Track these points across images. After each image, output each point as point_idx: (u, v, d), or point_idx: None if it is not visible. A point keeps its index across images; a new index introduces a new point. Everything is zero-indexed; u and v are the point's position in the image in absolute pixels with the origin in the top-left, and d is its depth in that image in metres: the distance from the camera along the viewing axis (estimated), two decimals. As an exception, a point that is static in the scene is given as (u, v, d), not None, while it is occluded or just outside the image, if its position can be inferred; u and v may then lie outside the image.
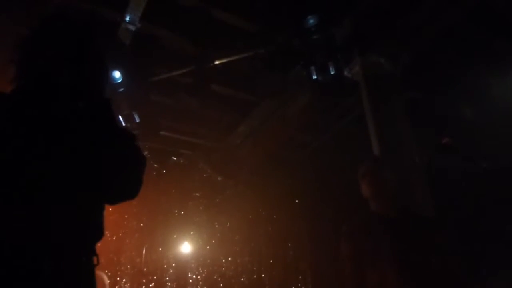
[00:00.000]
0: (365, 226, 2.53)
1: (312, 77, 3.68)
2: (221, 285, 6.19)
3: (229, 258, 6.32)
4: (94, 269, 1.31)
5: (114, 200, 1.41)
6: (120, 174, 1.30)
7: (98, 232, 1.34)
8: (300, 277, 5.79)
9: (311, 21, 3.58)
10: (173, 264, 6.18)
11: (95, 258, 1.31)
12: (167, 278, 6.04)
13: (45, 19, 1.41)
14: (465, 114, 4.78)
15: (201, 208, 6.57)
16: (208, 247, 6.41)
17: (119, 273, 5.60)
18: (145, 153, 1.33)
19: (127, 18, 3.71)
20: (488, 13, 3.79)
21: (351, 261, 2.47)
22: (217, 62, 4.15)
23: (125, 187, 1.36)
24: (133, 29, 3.79)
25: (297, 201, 5.91)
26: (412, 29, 3.84)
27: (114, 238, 5.57)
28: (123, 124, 3.99)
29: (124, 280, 5.63)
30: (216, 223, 6.51)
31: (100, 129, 1.30)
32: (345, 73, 4.07)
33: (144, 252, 5.90)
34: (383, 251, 2.36)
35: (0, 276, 1.09)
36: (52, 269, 1.15)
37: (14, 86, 1.36)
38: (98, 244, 1.34)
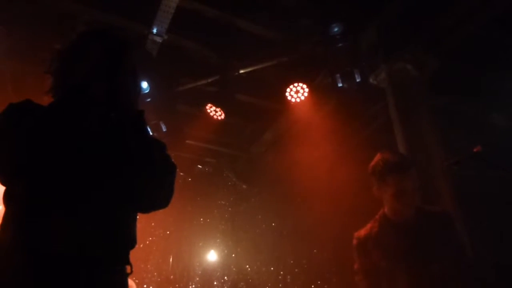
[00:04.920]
0: (376, 238, 2.36)
1: (337, 85, 3.66)
2: (247, 293, 6.18)
3: (254, 267, 6.30)
4: (127, 278, 1.33)
5: (147, 208, 1.43)
6: (153, 183, 1.33)
7: (131, 241, 1.36)
8: (326, 286, 5.72)
9: (336, 29, 3.58)
10: (199, 272, 6.21)
11: (128, 267, 1.33)
12: (193, 286, 6.08)
13: (81, 33, 1.47)
14: (496, 120, 4.65)
15: (226, 216, 6.60)
16: (233, 255, 6.41)
17: (146, 280, 5.66)
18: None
19: (154, 30, 3.80)
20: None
21: (367, 277, 2.36)
22: (241, 71, 4.19)
23: (158, 196, 1.38)
24: (160, 41, 3.88)
25: (322, 209, 5.85)
26: (439, 34, 3.78)
27: (141, 246, 5.65)
28: (151, 134, 4.06)
29: (151, 287, 5.69)
30: (241, 231, 6.51)
31: (133, 139, 1.33)
32: (371, 80, 4.03)
33: (171, 260, 5.95)
34: (399, 268, 2.25)
35: (39, 284, 1.13)
36: (87, 277, 1.18)
37: (51, 96, 1.41)
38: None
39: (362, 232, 2.46)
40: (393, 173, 2.27)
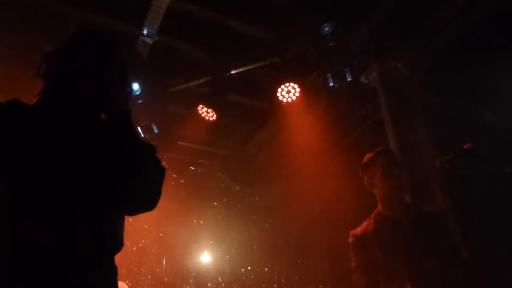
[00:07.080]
0: (373, 234, 2.40)
1: (328, 84, 3.66)
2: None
3: (248, 267, 6.29)
4: (116, 279, 1.32)
5: (133, 211, 1.42)
6: (140, 186, 1.32)
7: (117, 243, 1.35)
8: (320, 286, 5.72)
9: (327, 28, 3.58)
10: (193, 274, 6.19)
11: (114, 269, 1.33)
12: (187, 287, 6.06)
13: (71, 34, 1.45)
14: (487, 118, 4.69)
15: (219, 217, 6.58)
16: (227, 256, 6.40)
17: (140, 283, 5.63)
18: (164, 163, 1.34)
19: (145, 32, 3.78)
20: (509, 15, 3.72)
21: (364, 274, 2.36)
22: (233, 72, 4.18)
23: (145, 198, 1.37)
24: (151, 42, 3.86)
25: (315, 209, 5.86)
26: (430, 33, 3.80)
27: (134, 249, 5.61)
28: (142, 135, 4.04)
29: (145, 290, 5.66)
30: (234, 232, 6.50)
31: (121, 140, 1.32)
32: (362, 79, 4.04)
33: (164, 262, 5.92)
34: (397, 263, 2.27)
35: (29, 283, 1.12)
36: (75, 277, 1.17)
37: (40, 97, 1.40)
38: (118, 255, 1.35)
39: (358, 229, 2.50)
40: (380, 156, 2.53)
